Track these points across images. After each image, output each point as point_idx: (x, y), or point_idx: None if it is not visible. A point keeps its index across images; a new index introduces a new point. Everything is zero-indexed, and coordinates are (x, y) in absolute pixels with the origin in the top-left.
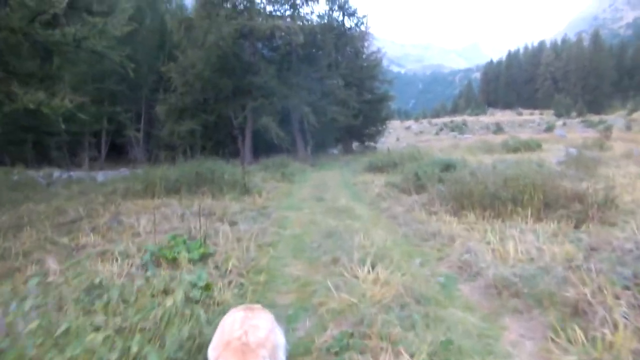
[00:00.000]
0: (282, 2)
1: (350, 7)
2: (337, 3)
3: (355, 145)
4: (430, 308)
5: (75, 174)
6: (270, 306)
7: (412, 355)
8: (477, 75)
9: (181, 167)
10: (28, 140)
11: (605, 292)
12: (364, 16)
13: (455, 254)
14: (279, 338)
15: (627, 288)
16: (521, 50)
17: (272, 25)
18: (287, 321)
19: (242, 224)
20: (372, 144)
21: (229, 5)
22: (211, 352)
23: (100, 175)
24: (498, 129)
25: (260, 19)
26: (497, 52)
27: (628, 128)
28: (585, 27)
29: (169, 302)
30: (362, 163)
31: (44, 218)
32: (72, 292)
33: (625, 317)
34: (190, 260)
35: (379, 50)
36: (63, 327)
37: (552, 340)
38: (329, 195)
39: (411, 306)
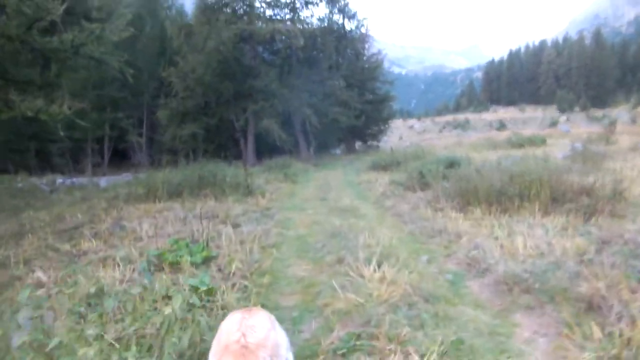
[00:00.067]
0: (282, 5)
1: (350, 10)
2: (337, 6)
3: (358, 145)
4: (439, 306)
5: (78, 180)
6: (274, 308)
7: (422, 356)
8: (479, 74)
9: (183, 170)
10: (31, 147)
11: (620, 286)
12: (364, 18)
13: (463, 251)
14: (280, 336)
15: None
16: (522, 49)
17: (272, 29)
18: (292, 323)
19: (245, 226)
20: (375, 143)
21: (228, 10)
22: (211, 358)
23: (103, 181)
24: (501, 125)
25: (260, 23)
26: (498, 52)
27: (633, 121)
28: (587, 26)
29: (167, 309)
30: (366, 162)
31: (45, 225)
32: (68, 302)
33: None
34: (192, 264)
35: (379, 52)
36: (55, 341)
37: (567, 336)
38: (333, 194)
39: (419, 305)
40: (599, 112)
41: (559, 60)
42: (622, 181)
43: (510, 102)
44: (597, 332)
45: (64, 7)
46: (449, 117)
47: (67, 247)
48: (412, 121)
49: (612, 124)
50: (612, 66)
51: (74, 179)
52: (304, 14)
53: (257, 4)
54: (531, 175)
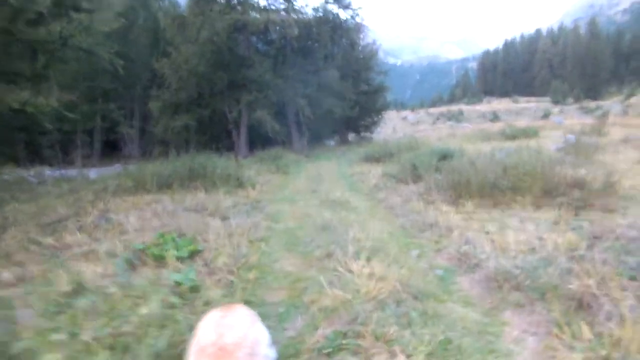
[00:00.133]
0: None
1: (345, 0)
2: None
3: (351, 136)
4: (428, 304)
5: (68, 172)
6: (259, 304)
7: (408, 356)
8: (474, 64)
9: (173, 162)
10: (20, 139)
11: (611, 283)
12: (359, 8)
13: (454, 245)
14: (260, 333)
15: (633, 279)
16: (518, 39)
17: (267, 19)
18: (277, 320)
19: (234, 219)
20: (368, 134)
21: (222, 1)
22: (188, 359)
23: (92, 173)
24: (495, 117)
25: (254, 13)
26: (494, 42)
27: (625, 113)
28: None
29: (144, 309)
30: (359, 154)
31: (29, 218)
32: (42, 301)
33: (633, 311)
34: (178, 259)
35: (374, 42)
36: (19, 347)
37: (556, 336)
38: (325, 186)
39: (408, 302)
40: (592, 104)
41: (554, 49)
42: (613, 174)
43: (505, 93)
44: (586, 332)
45: None
46: (443, 109)
47: (50, 240)
48: (406, 112)
49: (605, 115)
50: (607, 55)
51: (63, 171)
52: (299, 3)
53: None
54: (524, 168)
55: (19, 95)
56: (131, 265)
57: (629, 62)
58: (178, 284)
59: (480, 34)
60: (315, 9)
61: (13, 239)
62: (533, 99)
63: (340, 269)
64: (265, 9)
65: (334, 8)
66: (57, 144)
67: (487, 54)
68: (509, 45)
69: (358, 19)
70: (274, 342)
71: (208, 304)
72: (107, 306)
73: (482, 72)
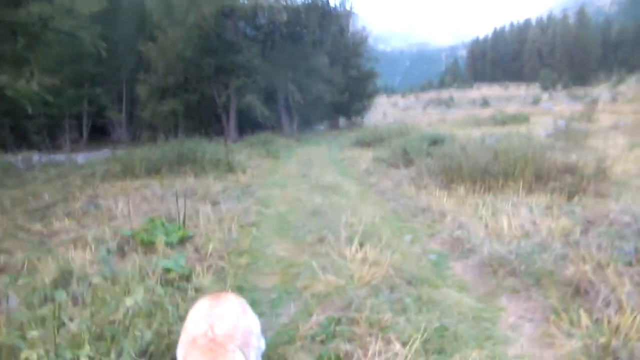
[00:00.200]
0: None
1: None
2: None
3: (342, 121)
4: (423, 289)
5: (56, 157)
6: (251, 290)
7: (404, 344)
8: (463, 52)
9: (162, 147)
10: (5, 124)
11: (606, 269)
12: None
13: (447, 230)
14: (252, 322)
15: (629, 264)
16: (507, 28)
17: (255, 4)
18: (270, 306)
19: (225, 204)
20: (358, 119)
21: None
22: (179, 351)
23: (80, 158)
24: (485, 103)
25: None
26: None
27: (614, 100)
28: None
29: (129, 300)
30: (349, 138)
31: (16, 204)
32: (24, 291)
33: (631, 297)
34: (168, 244)
35: (364, 29)
36: None
37: (554, 322)
38: (315, 171)
39: (402, 288)
40: (580, 91)
41: (543, 38)
42: (604, 160)
43: (494, 80)
44: (584, 319)
45: None
46: (433, 94)
47: (38, 227)
48: (396, 98)
49: (594, 102)
50: (595, 45)
51: (51, 156)
52: None
53: None
54: (515, 153)
55: None
56: (121, 252)
57: (617, 52)
58: (168, 270)
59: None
60: None
61: (0, 226)
62: (523, 85)
63: (332, 254)
64: None
65: None
66: (45, 129)
67: (476, 42)
68: (498, 34)
69: (347, 5)
70: (267, 329)
71: (198, 291)
72: (93, 297)
73: (471, 60)
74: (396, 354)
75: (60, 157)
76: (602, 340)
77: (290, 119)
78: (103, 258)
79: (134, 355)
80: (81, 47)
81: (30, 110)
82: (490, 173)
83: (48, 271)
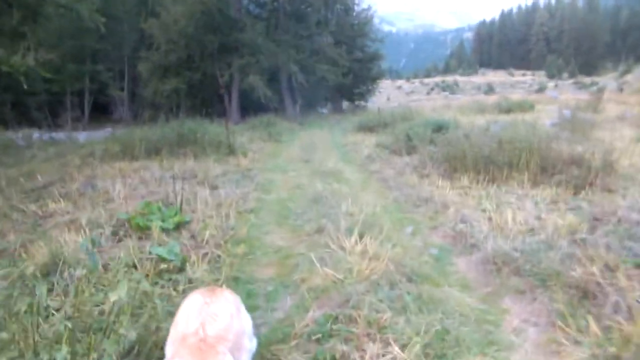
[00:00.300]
0: None
1: None
2: None
3: (345, 104)
4: (423, 287)
5: (57, 135)
6: (247, 282)
7: (403, 346)
8: (469, 35)
9: (163, 127)
10: (6, 100)
11: (616, 272)
12: None
13: (449, 223)
14: (244, 323)
15: (639, 267)
16: (515, 10)
17: None
18: (265, 299)
19: (224, 188)
20: (362, 103)
21: None
22: (168, 347)
23: (82, 136)
24: (490, 89)
25: None
26: (490, 13)
27: (620, 90)
28: None
29: (114, 296)
30: (352, 123)
31: (13, 183)
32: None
33: None
34: (163, 230)
35: (369, 8)
36: None
37: (560, 328)
38: (317, 156)
39: (402, 284)
40: (587, 79)
41: (550, 22)
42: (611, 152)
43: (500, 65)
44: (593, 326)
45: None
46: (438, 79)
47: (33, 208)
48: (401, 82)
49: (600, 91)
50: (604, 30)
51: (53, 134)
52: None
53: None
54: (521, 143)
55: None
56: (115, 236)
57: (626, 37)
58: (162, 259)
59: (477, 4)
60: None
61: None
62: (528, 72)
63: (332, 245)
64: None
65: None
66: (46, 106)
67: (483, 24)
68: (505, 17)
69: None
70: (262, 324)
71: (192, 282)
72: (77, 290)
73: (477, 42)
74: (395, 358)
75: (60, 135)
76: (612, 350)
77: (293, 102)
78: (87, 250)
79: (115, 358)
80: (81, 22)
81: (25, 86)
82: (494, 163)
83: (37, 257)
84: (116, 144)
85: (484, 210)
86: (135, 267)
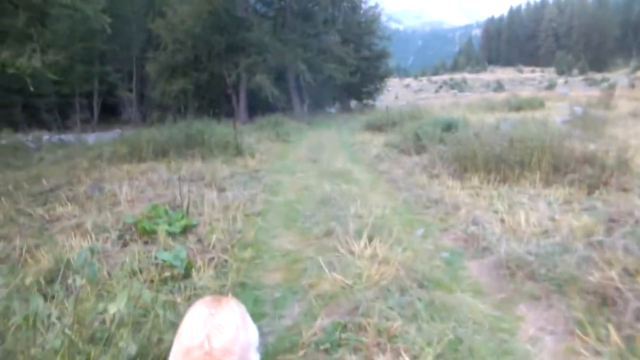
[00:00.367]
0: None
1: None
2: None
3: (353, 103)
4: (435, 293)
5: (66, 136)
6: (255, 287)
7: (414, 357)
8: (478, 32)
9: (170, 128)
10: (17, 102)
11: (635, 276)
12: None
13: (461, 225)
14: (251, 334)
15: None
16: (523, 7)
17: None
18: (273, 306)
19: (231, 190)
20: (370, 102)
21: None
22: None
23: (91, 138)
24: (499, 86)
25: None
26: (498, 9)
27: (632, 86)
28: None
29: (112, 308)
30: (360, 122)
31: (21, 186)
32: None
33: None
34: (170, 234)
35: (376, 5)
36: None
37: (579, 337)
38: (325, 156)
39: (413, 290)
40: (597, 76)
41: (560, 18)
42: (626, 150)
43: (508, 62)
44: (614, 334)
45: None
46: (446, 77)
47: (40, 211)
48: (409, 80)
49: (612, 87)
50: (614, 25)
51: (62, 136)
52: None
53: None
54: (532, 142)
55: None
56: (121, 241)
57: (637, 32)
58: (170, 266)
59: (484, 1)
60: None
61: (1, 210)
62: (538, 69)
63: (340, 249)
64: None
65: None
66: (56, 108)
67: (491, 21)
68: (514, 13)
69: None
70: (269, 332)
71: (197, 289)
72: (75, 302)
73: (486, 39)
74: None
75: (70, 136)
76: None
77: (301, 101)
78: (85, 260)
79: None
80: (90, 23)
81: (32, 87)
82: (505, 162)
83: (43, 262)
84: (124, 146)
85: (495, 212)
86: (140, 272)
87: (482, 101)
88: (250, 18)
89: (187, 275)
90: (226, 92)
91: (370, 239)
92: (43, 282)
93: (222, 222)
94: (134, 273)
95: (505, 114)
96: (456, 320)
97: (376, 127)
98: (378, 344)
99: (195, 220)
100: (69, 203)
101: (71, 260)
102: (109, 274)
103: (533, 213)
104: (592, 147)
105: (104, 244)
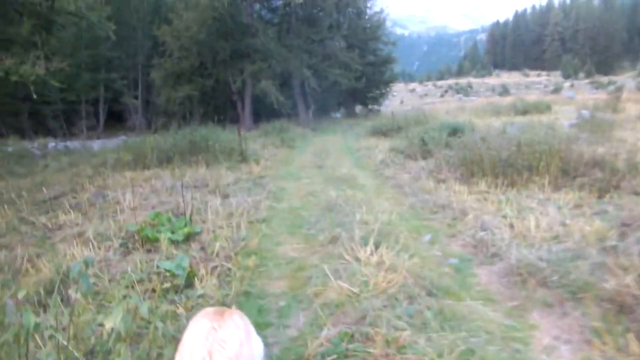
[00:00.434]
0: None
1: None
2: None
3: (358, 108)
4: (444, 301)
5: (72, 143)
6: (259, 296)
7: None
8: (483, 36)
9: (174, 135)
10: (23, 110)
11: None
12: None
13: (469, 230)
14: (256, 349)
15: None
16: (529, 10)
17: None
18: (278, 315)
19: (235, 197)
20: (375, 107)
21: None
22: None
23: (96, 145)
24: (504, 90)
25: None
26: (503, 14)
27: (639, 89)
28: None
29: (109, 322)
30: (366, 127)
31: (24, 194)
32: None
33: None
34: (173, 242)
35: (381, 11)
36: None
37: (596, 347)
38: (330, 162)
39: (421, 298)
40: (604, 79)
41: (565, 22)
42: (636, 153)
43: (514, 67)
44: (633, 344)
45: None
46: (451, 81)
47: (43, 220)
48: (414, 85)
49: (619, 90)
50: (620, 28)
51: (67, 143)
52: None
53: None
54: (540, 145)
55: (1, 63)
56: (124, 249)
57: None
58: (172, 275)
59: (489, 5)
60: None
61: (4, 219)
62: (543, 73)
63: (346, 256)
64: None
65: None
66: (62, 115)
67: (496, 25)
68: (519, 17)
69: None
70: (274, 343)
71: (200, 298)
72: (70, 316)
73: (491, 44)
74: None
75: (75, 143)
76: None
77: (306, 107)
78: (80, 272)
79: None
80: (95, 30)
81: (34, 95)
82: (513, 166)
83: (44, 272)
84: (128, 153)
85: (504, 217)
86: (140, 283)
87: (487, 105)
88: (255, 24)
89: (189, 284)
90: (231, 98)
91: (376, 246)
92: (42, 292)
93: (226, 229)
94: (134, 283)
95: (512, 118)
96: (467, 329)
97: (381, 132)
98: (387, 355)
99: (198, 228)
100: (72, 211)
101: (70, 270)
102: (111, 282)
103: (543, 218)
104: (601, 150)
105: (106, 253)
